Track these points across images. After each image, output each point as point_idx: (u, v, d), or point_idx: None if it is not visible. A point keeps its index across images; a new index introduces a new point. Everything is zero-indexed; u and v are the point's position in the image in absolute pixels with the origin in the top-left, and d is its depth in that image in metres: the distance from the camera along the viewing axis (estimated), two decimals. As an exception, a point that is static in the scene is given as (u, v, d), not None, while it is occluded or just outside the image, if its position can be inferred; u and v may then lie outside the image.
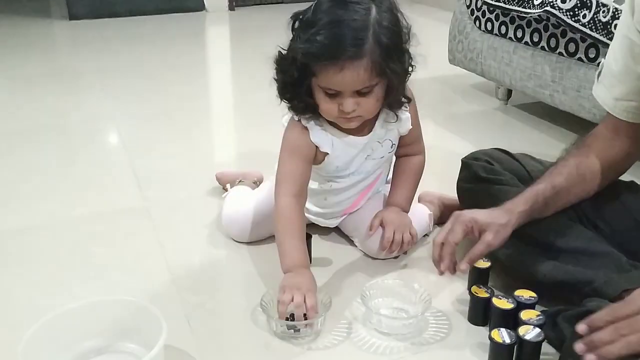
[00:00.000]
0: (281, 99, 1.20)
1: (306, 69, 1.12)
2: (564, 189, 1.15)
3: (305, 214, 1.38)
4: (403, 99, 1.22)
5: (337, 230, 1.45)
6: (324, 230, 1.44)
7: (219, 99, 2.74)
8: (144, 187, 1.73)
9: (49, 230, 1.50)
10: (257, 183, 1.58)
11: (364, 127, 1.25)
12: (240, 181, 1.51)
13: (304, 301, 1.08)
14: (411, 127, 1.29)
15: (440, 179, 1.59)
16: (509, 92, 2.38)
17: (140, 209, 1.61)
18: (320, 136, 1.22)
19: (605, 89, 1.17)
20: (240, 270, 1.35)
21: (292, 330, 1.10)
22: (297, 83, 1.15)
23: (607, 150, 1.17)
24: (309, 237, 1.31)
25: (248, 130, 2.21)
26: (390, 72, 1.12)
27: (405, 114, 1.27)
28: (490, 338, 1.01)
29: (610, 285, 1.05)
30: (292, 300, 1.07)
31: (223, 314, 1.21)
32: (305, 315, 1.09)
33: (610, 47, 1.16)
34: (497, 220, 1.10)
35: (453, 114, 2.40)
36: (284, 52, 1.16)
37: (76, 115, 2.34)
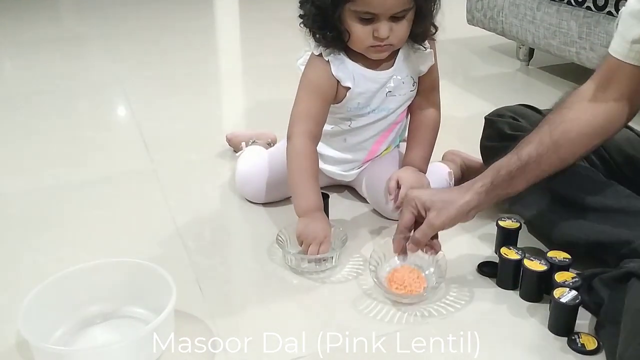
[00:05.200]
0: (310, 30, 1.18)
1: None
2: (534, 159, 1.02)
3: (324, 165, 1.32)
4: (430, 30, 1.21)
5: (352, 190, 1.40)
6: (339, 190, 1.40)
7: (228, 62, 2.66)
8: (152, 150, 1.67)
9: (55, 193, 1.45)
10: (270, 144, 1.52)
11: (386, 62, 1.24)
12: (253, 141, 1.45)
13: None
14: (433, 63, 1.26)
15: (461, 140, 1.52)
16: (531, 53, 2.28)
17: (149, 171, 1.55)
18: (342, 69, 1.21)
19: (619, 35, 1.02)
20: (252, 232, 1.29)
21: (308, 265, 1.12)
22: (329, 10, 1.13)
23: (590, 110, 1.04)
24: (326, 197, 1.26)
25: (258, 93, 2.13)
26: None
27: (428, 50, 1.25)
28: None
29: (651, 246, 0.98)
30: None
31: (235, 278, 1.16)
32: None
33: None
34: (442, 198, 1.04)
35: (472, 76, 2.31)
36: None
37: (83, 80, 2.28)
